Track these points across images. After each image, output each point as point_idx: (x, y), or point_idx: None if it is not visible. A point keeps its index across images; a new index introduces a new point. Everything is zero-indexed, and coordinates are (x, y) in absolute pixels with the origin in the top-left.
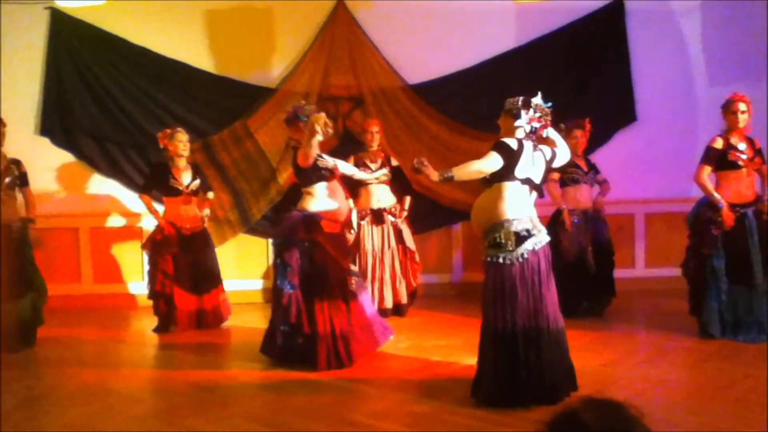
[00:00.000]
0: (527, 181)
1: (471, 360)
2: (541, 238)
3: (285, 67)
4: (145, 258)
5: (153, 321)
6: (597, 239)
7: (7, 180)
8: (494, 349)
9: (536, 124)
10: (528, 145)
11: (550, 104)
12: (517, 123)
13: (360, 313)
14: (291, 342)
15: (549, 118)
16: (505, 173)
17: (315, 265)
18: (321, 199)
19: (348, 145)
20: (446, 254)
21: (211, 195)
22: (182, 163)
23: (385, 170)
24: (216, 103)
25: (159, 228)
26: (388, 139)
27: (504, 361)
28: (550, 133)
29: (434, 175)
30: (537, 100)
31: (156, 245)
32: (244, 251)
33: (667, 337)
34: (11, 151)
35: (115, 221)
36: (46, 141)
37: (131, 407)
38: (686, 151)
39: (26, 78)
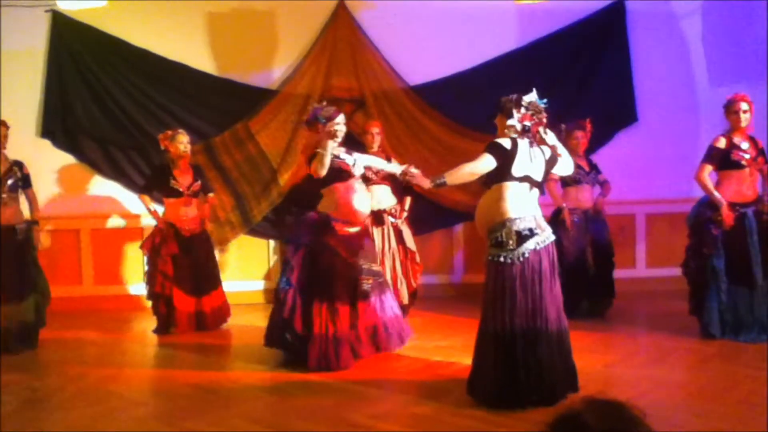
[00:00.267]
0: (526, 179)
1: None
2: (544, 237)
3: (286, 69)
4: (145, 259)
5: (154, 322)
6: (597, 240)
7: (10, 182)
8: (494, 350)
9: (528, 123)
10: (523, 143)
11: (545, 101)
12: (509, 122)
13: (371, 315)
14: (283, 337)
15: (543, 116)
16: (502, 173)
17: (319, 267)
18: (336, 200)
19: (349, 146)
20: (447, 255)
21: (211, 194)
22: (183, 164)
23: (397, 163)
24: (217, 104)
25: (157, 229)
26: (389, 140)
27: (503, 362)
28: (556, 142)
29: (426, 183)
30: (530, 97)
31: (155, 246)
32: (245, 252)
33: (669, 337)
34: (12, 153)
35: (117, 223)
36: (47, 143)
37: (133, 409)
38: (687, 151)
39: (27, 80)
